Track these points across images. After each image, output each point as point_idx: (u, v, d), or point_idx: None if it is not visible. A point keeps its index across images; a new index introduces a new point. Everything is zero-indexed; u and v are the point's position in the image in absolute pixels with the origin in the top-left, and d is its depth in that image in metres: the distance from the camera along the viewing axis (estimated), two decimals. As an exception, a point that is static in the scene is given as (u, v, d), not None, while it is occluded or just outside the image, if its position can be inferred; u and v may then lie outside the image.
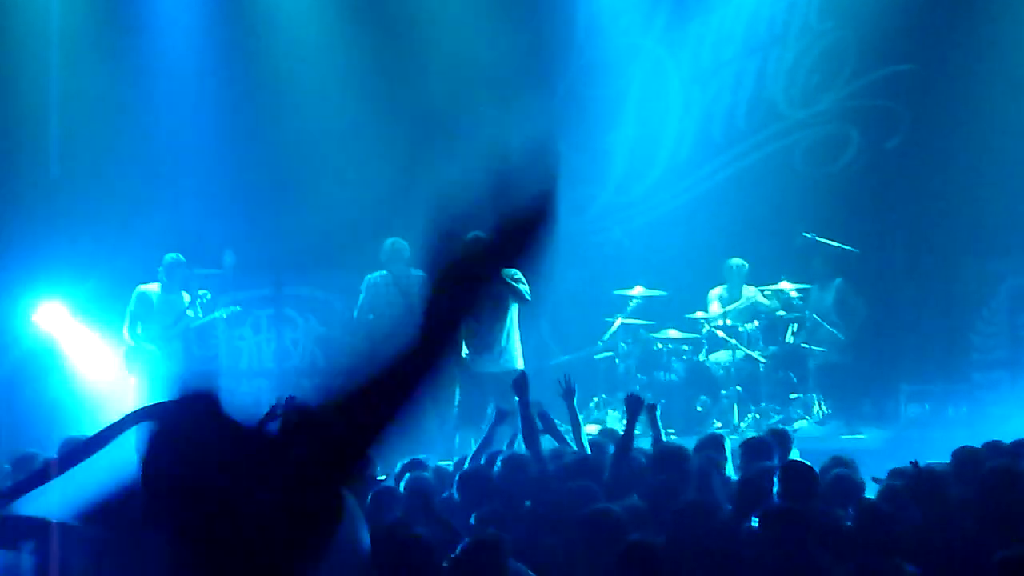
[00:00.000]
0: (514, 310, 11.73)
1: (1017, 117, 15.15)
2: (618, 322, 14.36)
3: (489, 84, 15.79)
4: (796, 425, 13.78)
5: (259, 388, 14.91)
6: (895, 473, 7.83)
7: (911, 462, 7.37)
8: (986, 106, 15.18)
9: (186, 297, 13.57)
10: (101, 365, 14.03)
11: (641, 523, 6.81)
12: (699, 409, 13.94)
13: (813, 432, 13.73)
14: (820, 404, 14.30)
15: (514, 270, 12.66)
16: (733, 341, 14.23)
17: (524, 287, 11.34)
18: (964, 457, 8.11)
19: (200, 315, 13.63)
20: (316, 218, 15.72)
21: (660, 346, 14.44)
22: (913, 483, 7.16)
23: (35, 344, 13.85)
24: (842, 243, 14.70)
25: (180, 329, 13.47)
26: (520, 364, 11.64)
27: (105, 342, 14.13)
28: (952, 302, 14.94)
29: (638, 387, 14.24)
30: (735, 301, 14.70)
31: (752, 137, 16.10)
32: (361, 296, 13.51)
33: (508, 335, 11.72)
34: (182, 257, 13.62)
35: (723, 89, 16.19)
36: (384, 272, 13.51)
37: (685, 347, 14.46)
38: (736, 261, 14.75)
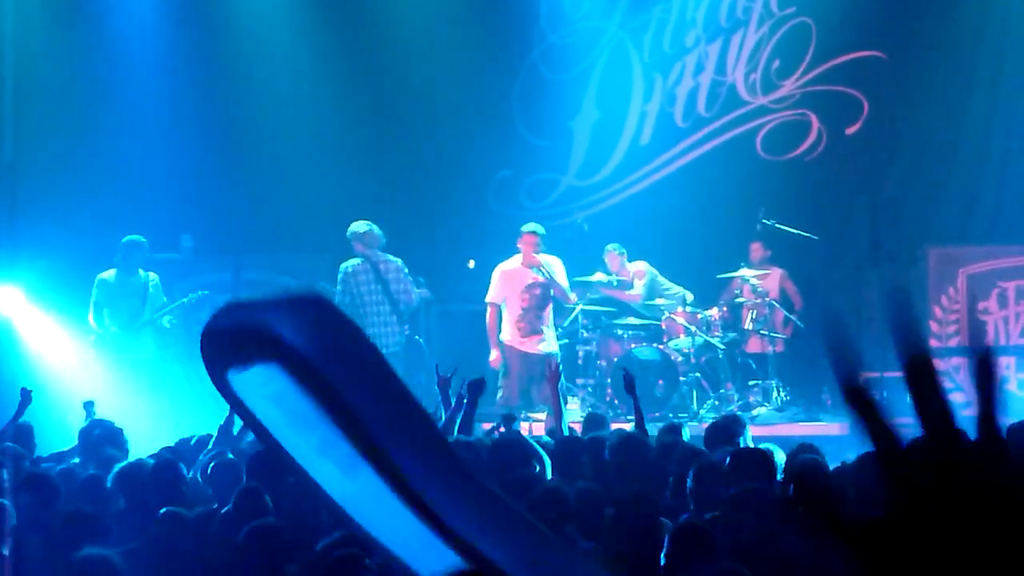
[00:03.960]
0: (552, 300, 13.31)
1: (975, 105, 15.25)
2: (578, 308, 14.31)
3: (450, 68, 15.75)
4: (755, 412, 13.79)
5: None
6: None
7: None
8: (945, 94, 15.25)
9: (153, 276, 13.37)
10: (57, 349, 13.89)
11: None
12: (657, 395, 13.89)
13: (772, 419, 13.73)
14: (779, 391, 14.31)
15: (557, 262, 12.90)
16: (692, 327, 14.21)
17: (566, 287, 13.26)
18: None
19: (164, 300, 13.44)
20: (274, 202, 15.64)
21: (621, 332, 14.40)
22: None
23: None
24: (802, 230, 14.70)
25: (150, 319, 13.29)
26: (556, 348, 13.34)
27: (61, 326, 14.00)
28: (911, 289, 14.94)
29: (598, 372, 14.27)
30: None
31: (713, 123, 16.10)
32: (338, 288, 12.82)
33: (550, 322, 13.31)
34: (141, 238, 13.35)
35: (684, 75, 16.19)
36: (361, 259, 12.95)
37: (643, 333, 14.40)
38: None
